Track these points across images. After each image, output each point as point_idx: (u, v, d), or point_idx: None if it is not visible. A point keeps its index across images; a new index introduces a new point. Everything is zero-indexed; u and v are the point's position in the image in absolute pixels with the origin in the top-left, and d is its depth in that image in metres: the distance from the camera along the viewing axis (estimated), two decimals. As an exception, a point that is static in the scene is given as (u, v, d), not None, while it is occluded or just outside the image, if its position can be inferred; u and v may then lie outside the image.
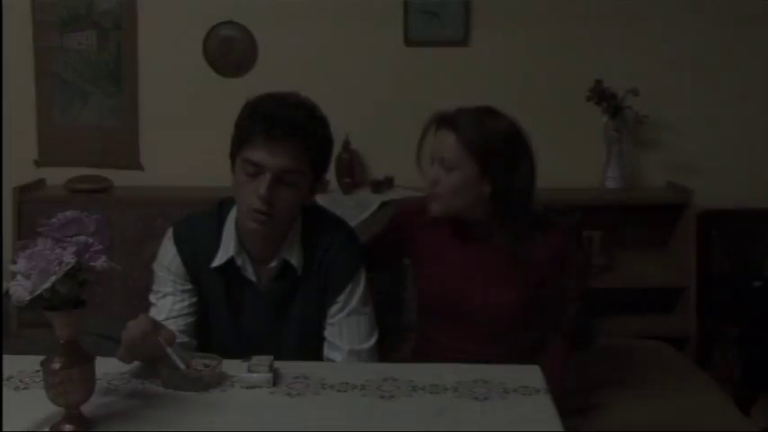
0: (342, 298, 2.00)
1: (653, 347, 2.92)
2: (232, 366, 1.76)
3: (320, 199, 3.07)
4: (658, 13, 3.27)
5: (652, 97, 3.19)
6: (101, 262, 1.46)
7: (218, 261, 1.98)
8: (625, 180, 3.23)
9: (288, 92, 1.97)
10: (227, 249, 1.98)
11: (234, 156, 1.94)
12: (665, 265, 3.28)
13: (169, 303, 1.99)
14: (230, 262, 1.98)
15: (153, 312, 1.97)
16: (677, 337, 3.08)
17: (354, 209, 3.07)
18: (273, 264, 1.99)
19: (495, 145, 2.00)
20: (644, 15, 3.27)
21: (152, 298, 2.03)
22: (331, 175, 3.20)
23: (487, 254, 2.07)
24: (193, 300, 2.01)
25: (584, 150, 3.33)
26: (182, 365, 1.68)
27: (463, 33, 3.27)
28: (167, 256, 2.03)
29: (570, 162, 3.34)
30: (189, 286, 2.01)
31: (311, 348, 2.01)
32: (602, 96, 3.15)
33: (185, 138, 3.35)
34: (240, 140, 1.91)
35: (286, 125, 1.87)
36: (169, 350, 1.68)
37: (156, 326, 1.72)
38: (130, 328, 1.71)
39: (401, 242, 2.24)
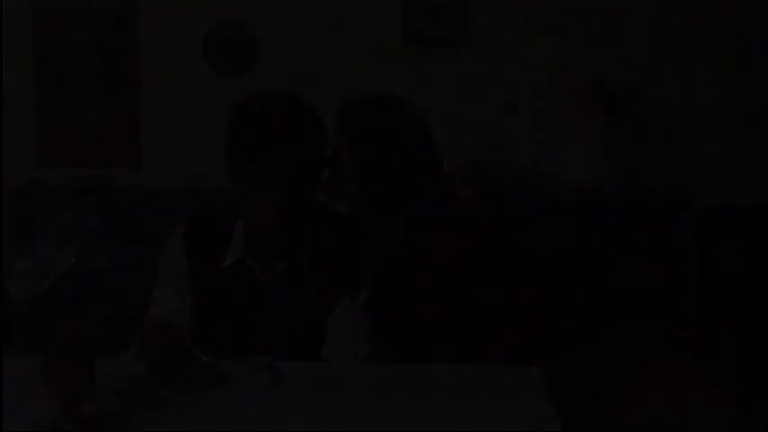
0: (347, 299, 1.99)
1: (652, 347, 2.93)
2: (232, 366, 1.76)
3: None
4: (659, 12, 3.26)
5: (652, 97, 3.19)
6: (101, 262, 1.47)
7: (227, 261, 1.98)
8: (625, 180, 3.23)
9: (276, 92, 1.90)
10: (236, 249, 1.98)
11: (232, 167, 1.89)
12: (665, 265, 3.28)
13: (169, 302, 2.00)
14: (239, 262, 1.99)
15: (153, 310, 1.99)
16: (677, 337, 3.08)
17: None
18: (283, 264, 1.98)
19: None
20: (644, 15, 3.27)
21: (154, 293, 2.04)
22: (330, 174, 3.20)
23: None
24: (192, 300, 2.02)
25: (584, 150, 3.32)
26: (207, 359, 1.74)
27: (463, 32, 3.27)
28: (173, 251, 2.03)
29: (570, 162, 3.34)
30: (189, 285, 2.01)
31: (314, 348, 2.01)
32: (602, 96, 3.15)
33: (185, 138, 3.35)
34: (240, 153, 1.84)
35: (288, 135, 1.82)
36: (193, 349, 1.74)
37: (169, 326, 1.75)
38: (145, 327, 1.74)
39: None
